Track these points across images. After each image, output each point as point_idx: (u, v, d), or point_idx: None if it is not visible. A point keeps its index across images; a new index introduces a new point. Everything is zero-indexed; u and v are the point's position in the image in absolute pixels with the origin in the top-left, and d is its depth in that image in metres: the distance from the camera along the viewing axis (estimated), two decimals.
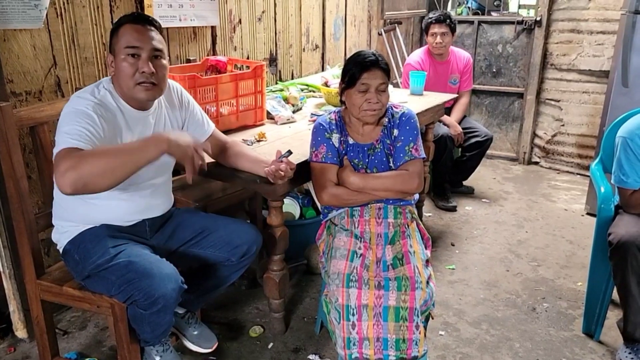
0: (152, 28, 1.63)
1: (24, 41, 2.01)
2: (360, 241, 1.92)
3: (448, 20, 3.53)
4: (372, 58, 1.90)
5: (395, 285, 1.73)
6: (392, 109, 2.03)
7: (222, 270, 1.89)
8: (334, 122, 2.01)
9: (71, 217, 1.69)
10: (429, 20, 3.59)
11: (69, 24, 2.16)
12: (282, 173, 1.74)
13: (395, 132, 1.99)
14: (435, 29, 3.55)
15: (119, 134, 1.62)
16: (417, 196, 2.09)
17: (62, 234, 1.73)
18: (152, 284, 1.51)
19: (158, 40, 1.63)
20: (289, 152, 1.79)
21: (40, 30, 2.05)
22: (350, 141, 2.00)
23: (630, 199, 2.05)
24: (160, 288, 1.52)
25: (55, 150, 1.45)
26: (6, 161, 1.67)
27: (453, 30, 3.59)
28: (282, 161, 1.75)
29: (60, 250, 1.75)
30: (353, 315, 1.72)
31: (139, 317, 1.61)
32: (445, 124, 3.55)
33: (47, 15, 2.02)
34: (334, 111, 2.06)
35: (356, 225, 1.96)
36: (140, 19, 1.63)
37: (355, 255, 1.84)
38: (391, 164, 1.99)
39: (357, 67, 1.90)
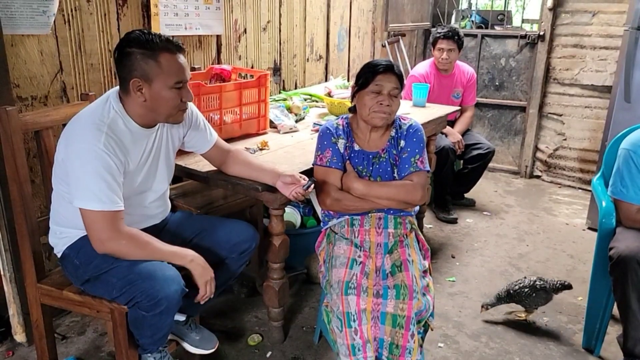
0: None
1: (31, 46, 2.04)
2: (360, 250, 1.92)
3: (456, 37, 3.51)
4: (387, 63, 1.94)
5: (393, 294, 1.73)
6: (399, 120, 2.05)
7: (221, 270, 1.89)
8: (341, 127, 2.02)
9: (70, 224, 1.69)
10: (437, 35, 3.56)
11: (76, 31, 2.18)
12: (302, 197, 1.91)
13: (402, 143, 2.00)
14: (443, 44, 3.53)
15: (127, 152, 1.64)
16: (417, 207, 2.09)
17: (60, 239, 1.73)
18: (155, 286, 1.53)
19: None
20: (313, 181, 1.91)
21: (47, 36, 2.07)
22: (356, 148, 2.01)
23: (638, 215, 2.05)
24: (164, 289, 1.53)
25: (83, 205, 1.55)
26: (10, 165, 1.69)
27: (460, 47, 3.58)
28: (306, 189, 1.88)
29: (59, 255, 1.75)
30: (354, 321, 1.72)
31: (140, 320, 1.61)
32: (444, 134, 3.54)
33: (54, 21, 2.05)
34: (342, 117, 2.07)
35: (356, 235, 1.96)
36: (177, 47, 1.63)
37: (355, 263, 1.85)
38: (395, 174, 1.99)
39: (371, 70, 1.93)
